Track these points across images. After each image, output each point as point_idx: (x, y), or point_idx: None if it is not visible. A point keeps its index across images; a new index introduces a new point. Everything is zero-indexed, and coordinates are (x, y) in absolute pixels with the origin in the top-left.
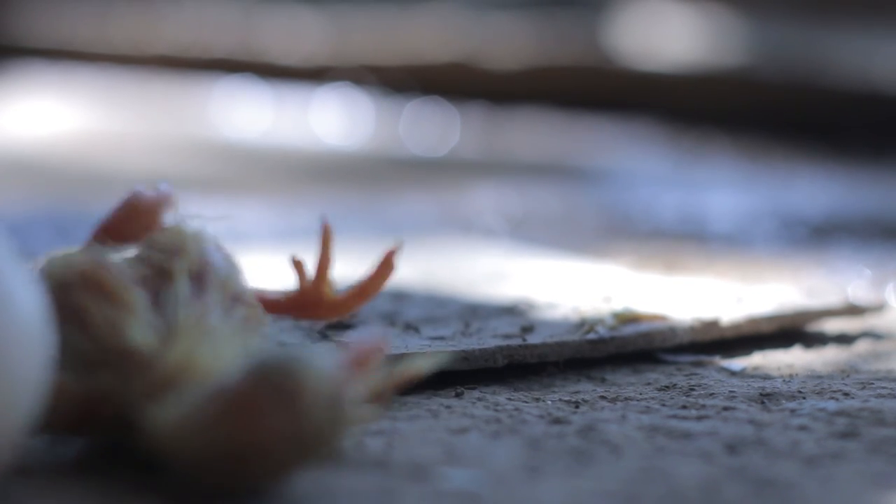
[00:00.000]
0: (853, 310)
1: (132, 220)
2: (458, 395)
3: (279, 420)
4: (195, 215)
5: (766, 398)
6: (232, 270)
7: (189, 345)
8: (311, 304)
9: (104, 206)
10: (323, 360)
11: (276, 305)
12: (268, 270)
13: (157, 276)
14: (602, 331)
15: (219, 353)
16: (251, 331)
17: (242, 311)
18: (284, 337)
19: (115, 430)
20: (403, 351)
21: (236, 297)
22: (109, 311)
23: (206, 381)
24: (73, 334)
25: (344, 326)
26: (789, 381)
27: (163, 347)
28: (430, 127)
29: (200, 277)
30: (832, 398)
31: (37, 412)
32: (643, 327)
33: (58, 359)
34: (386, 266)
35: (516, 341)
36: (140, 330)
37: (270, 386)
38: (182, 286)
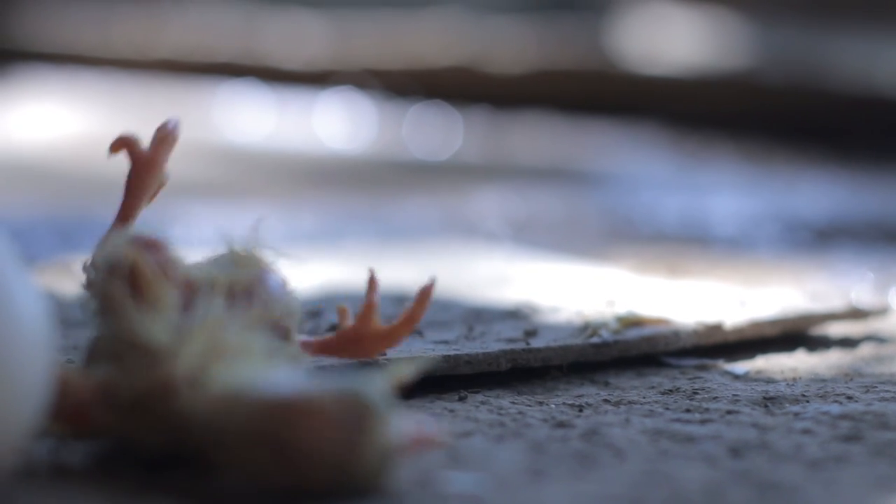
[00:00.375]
0: (856, 313)
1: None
2: (461, 399)
3: (340, 436)
4: (257, 234)
5: (769, 402)
6: (282, 300)
7: (197, 352)
8: (355, 341)
9: (107, 210)
10: (391, 408)
11: (322, 346)
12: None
13: (202, 288)
14: (606, 334)
15: (232, 366)
16: (278, 356)
17: (277, 338)
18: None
19: (114, 426)
20: (406, 355)
21: (278, 325)
22: (139, 302)
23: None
24: (104, 321)
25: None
26: (793, 385)
27: (172, 350)
28: (433, 131)
29: (245, 297)
30: (836, 402)
31: (40, 415)
32: (647, 331)
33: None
34: (424, 298)
35: (520, 345)
36: (158, 327)
37: (346, 404)
38: (216, 297)
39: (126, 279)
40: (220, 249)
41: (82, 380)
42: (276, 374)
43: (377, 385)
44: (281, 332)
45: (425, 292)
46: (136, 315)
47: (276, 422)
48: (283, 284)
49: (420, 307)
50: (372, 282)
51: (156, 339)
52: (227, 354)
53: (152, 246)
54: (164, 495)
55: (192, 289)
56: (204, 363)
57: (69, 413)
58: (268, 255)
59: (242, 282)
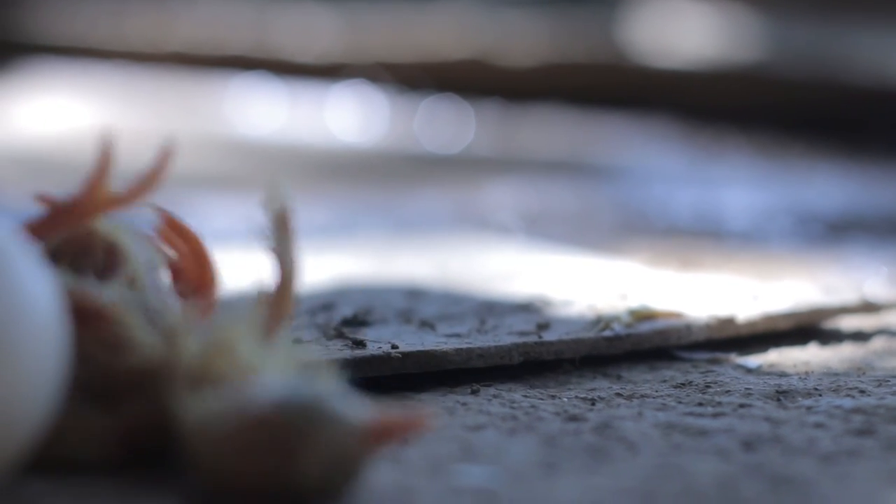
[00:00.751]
0: (869, 307)
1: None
2: (473, 393)
3: (275, 464)
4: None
5: (782, 395)
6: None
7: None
8: (85, 207)
9: None
10: (346, 413)
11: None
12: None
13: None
14: (618, 328)
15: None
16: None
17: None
18: (300, 335)
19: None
20: (419, 348)
21: (150, 289)
22: (108, 335)
23: (234, 382)
24: (83, 370)
25: (359, 323)
26: (805, 379)
27: (169, 350)
28: (445, 124)
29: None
30: (848, 395)
31: (52, 409)
32: (659, 324)
33: (77, 397)
34: (162, 163)
35: (532, 338)
36: (145, 342)
37: (274, 434)
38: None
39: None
40: None
41: (112, 422)
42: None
43: (328, 400)
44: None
45: (164, 157)
46: (117, 344)
47: (232, 444)
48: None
49: (157, 172)
50: (105, 154)
51: (150, 352)
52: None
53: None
54: (177, 494)
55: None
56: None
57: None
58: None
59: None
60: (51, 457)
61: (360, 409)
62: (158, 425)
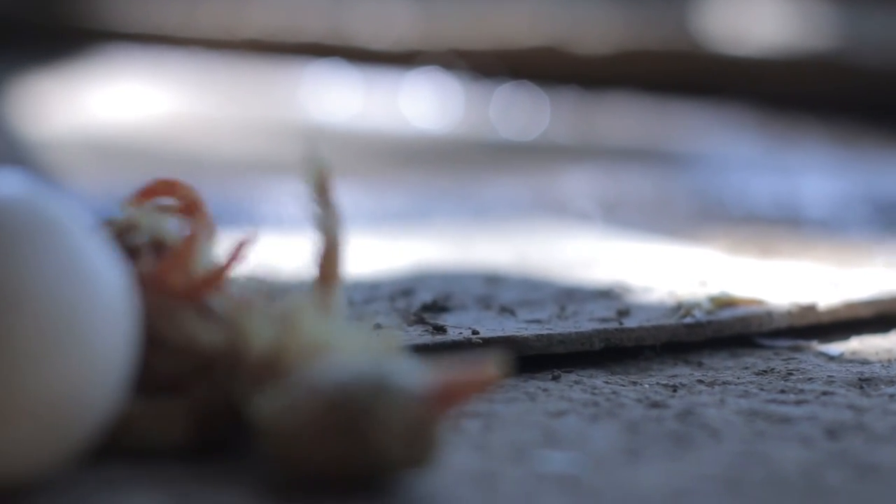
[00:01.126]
0: None
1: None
2: (555, 379)
3: (348, 452)
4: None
5: (864, 383)
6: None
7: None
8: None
9: (197, 188)
10: (412, 389)
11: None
12: (362, 253)
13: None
14: (699, 315)
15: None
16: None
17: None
18: (381, 320)
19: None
20: (500, 334)
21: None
22: (179, 319)
23: (302, 368)
24: (155, 353)
25: (439, 309)
26: (888, 366)
27: (237, 335)
28: (520, 111)
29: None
30: None
31: (121, 396)
32: (740, 311)
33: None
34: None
35: (613, 325)
36: (208, 331)
37: (342, 420)
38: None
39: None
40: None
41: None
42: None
43: (392, 376)
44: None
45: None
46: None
47: (303, 434)
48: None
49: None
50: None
51: (212, 341)
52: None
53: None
54: (247, 481)
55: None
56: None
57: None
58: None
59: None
60: (123, 442)
61: (423, 377)
62: (228, 410)
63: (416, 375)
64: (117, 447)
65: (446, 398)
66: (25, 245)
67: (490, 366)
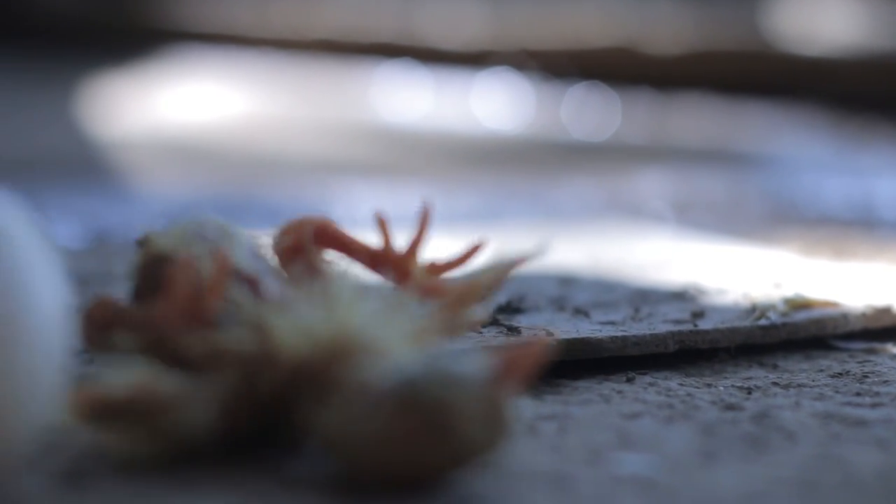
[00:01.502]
0: None
1: None
2: (629, 381)
3: (432, 449)
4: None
5: None
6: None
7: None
8: (396, 271)
9: (267, 190)
10: (473, 373)
11: (362, 255)
12: (436, 253)
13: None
14: (773, 317)
15: (351, 331)
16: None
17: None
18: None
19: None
20: (574, 335)
21: (251, 280)
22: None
23: (353, 370)
24: (190, 340)
25: (513, 310)
26: None
27: (267, 340)
28: (591, 112)
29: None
30: None
31: (53, 408)
32: (815, 314)
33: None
34: (467, 256)
35: (687, 327)
36: (235, 333)
37: (419, 417)
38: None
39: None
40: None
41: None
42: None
43: (455, 367)
44: (253, 285)
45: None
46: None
47: (377, 441)
48: (252, 243)
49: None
50: (425, 216)
51: (240, 343)
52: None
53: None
54: (309, 487)
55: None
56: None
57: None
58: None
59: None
60: (155, 429)
61: (482, 359)
62: (257, 404)
63: (475, 359)
64: (152, 430)
65: (507, 375)
66: None
67: (541, 341)
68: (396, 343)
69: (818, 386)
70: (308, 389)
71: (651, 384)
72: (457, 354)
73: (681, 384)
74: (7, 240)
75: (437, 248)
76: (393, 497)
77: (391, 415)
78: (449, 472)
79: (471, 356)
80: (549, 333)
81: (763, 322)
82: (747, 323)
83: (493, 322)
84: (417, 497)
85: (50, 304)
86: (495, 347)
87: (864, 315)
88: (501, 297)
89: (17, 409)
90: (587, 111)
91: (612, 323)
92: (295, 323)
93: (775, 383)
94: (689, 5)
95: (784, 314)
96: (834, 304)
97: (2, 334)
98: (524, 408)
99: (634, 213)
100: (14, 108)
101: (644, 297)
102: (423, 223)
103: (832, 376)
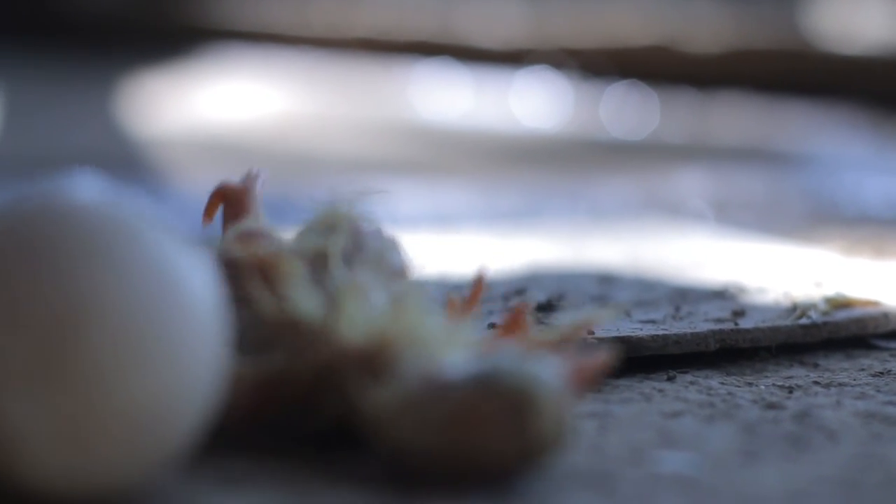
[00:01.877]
0: None
1: (224, 207)
2: (670, 379)
3: (507, 436)
4: (353, 193)
5: None
6: (388, 247)
7: (365, 318)
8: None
9: (307, 188)
10: (550, 374)
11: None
12: (474, 251)
13: (313, 258)
14: (814, 316)
15: (410, 329)
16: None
17: (401, 286)
18: (493, 319)
19: (292, 412)
20: (615, 334)
21: (394, 273)
22: (276, 286)
23: (411, 362)
24: (241, 316)
25: (552, 308)
26: None
27: (331, 320)
28: (630, 110)
29: (354, 254)
30: None
31: (214, 400)
32: (856, 313)
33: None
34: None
35: (728, 325)
36: (307, 302)
37: (502, 401)
38: (337, 264)
39: (252, 267)
40: (309, 217)
41: (246, 375)
42: (447, 361)
43: (531, 365)
44: (398, 278)
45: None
46: (280, 297)
47: (446, 428)
48: (381, 232)
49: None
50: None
51: (309, 314)
52: (389, 327)
53: (255, 236)
54: (361, 483)
55: (310, 264)
56: (387, 331)
57: (236, 408)
58: (356, 210)
59: (345, 242)
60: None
61: (553, 363)
62: (294, 391)
63: (550, 361)
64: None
65: (575, 381)
66: (104, 253)
67: (605, 353)
68: (451, 349)
69: (859, 385)
70: (355, 377)
71: (692, 383)
72: (532, 356)
73: (722, 383)
74: (146, 236)
75: (477, 248)
76: (437, 495)
77: (470, 397)
78: (512, 464)
79: (545, 359)
80: (589, 329)
81: (804, 321)
82: (788, 322)
83: (533, 320)
84: (460, 494)
85: (199, 298)
86: (564, 353)
87: None
88: (541, 295)
89: (177, 408)
90: (626, 110)
91: (653, 321)
92: (361, 311)
93: (816, 382)
94: (728, 4)
95: (825, 313)
96: (875, 304)
97: (153, 332)
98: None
99: (674, 211)
100: (55, 106)
101: (684, 296)
102: (479, 286)
103: (873, 375)
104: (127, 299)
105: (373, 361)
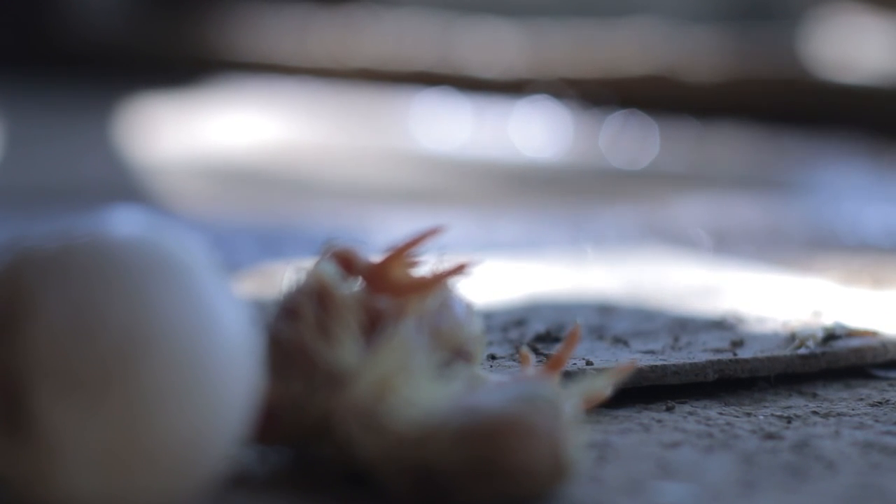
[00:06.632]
0: None
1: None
2: (668, 409)
3: (545, 446)
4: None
5: None
6: (464, 326)
7: (383, 371)
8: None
9: (308, 217)
10: (562, 396)
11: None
12: (474, 282)
13: (374, 316)
14: (813, 346)
15: (414, 386)
16: (459, 380)
17: (461, 365)
18: (494, 351)
19: (296, 440)
20: (614, 364)
21: (460, 351)
22: (326, 323)
23: (401, 408)
24: (286, 339)
25: (552, 339)
26: None
27: (360, 370)
28: (630, 140)
29: (431, 322)
30: None
31: (244, 427)
32: (854, 342)
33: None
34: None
35: (727, 356)
36: (347, 349)
37: (540, 413)
38: (407, 325)
39: (316, 298)
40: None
41: (274, 390)
42: (465, 394)
43: (548, 387)
44: (465, 358)
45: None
46: (326, 337)
47: (482, 445)
48: (468, 309)
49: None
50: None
51: (343, 362)
52: (407, 381)
53: (347, 259)
54: None
55: (378, 314)
56: (381, 392)
57: (262, 421)
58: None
59: (429, 307)
60: None
61: (563, 392)
62: (302, 419)
63: (559, 391)
64: None
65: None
66: (148, 286)
67: (603, 381)
68: (433, 394)
69: (858, 415)
70: (351, 422)
71: (691, 413)
72: (541, 384)
73: (720, 413)
74: (188, 270)
75: (476, 278)
76: None
77: (511, 413)
78: (542, 485)
79: (555, 387)
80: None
81: (803, 351)
82: (787, 352)
83: (532, 351)
84: None
85: (235, 332)
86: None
87: None
88: (540, 326)
89: (212, 437)
90: (625, 139)
91: (652, 352)
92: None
93: (815, 412)
94: (726, 34)
95: (823, 343)
96: (873, 334)
97: (192, 365)
98: None
99: (673, 240)
100: (57, 136)
101: (683, 326)
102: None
103: (872, 405)
104: (177, 331)
105: (371, 413)
